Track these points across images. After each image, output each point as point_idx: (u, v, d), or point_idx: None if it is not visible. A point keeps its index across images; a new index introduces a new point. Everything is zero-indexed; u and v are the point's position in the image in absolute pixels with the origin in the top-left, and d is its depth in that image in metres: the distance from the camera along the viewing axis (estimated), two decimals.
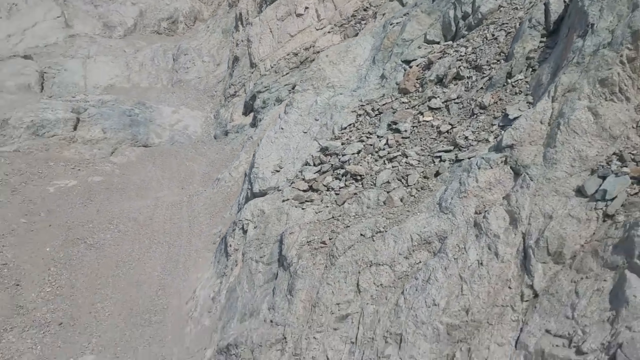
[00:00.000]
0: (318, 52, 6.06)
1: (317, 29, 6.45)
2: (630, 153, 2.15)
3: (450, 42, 3.79)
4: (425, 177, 2.86)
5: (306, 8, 6.64)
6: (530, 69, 2.89)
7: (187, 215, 4.53)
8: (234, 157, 5.45)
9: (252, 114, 6.22)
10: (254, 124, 5.85)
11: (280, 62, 6.31)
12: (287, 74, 5.95)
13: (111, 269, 3.79)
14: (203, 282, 3.46)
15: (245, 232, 3.33)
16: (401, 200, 2.81)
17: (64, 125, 5.57)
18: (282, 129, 3.97)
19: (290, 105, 4.12)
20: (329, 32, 6.23)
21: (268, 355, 2.61)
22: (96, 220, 4.38)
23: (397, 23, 4.23)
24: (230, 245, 3.39)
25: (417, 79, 3.63)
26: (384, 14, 5.52)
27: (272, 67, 6.44)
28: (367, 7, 6.07)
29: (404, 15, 4.31)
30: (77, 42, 8.40)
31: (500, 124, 2.77)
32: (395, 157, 3.07)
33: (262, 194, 3.56)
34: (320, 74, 4.31)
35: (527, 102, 2.73)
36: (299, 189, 3.28)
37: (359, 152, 3.33)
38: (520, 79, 2.90)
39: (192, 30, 10.26)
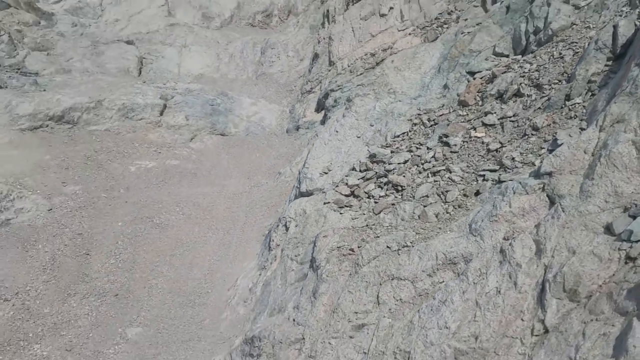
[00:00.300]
0: (395, 53, 6.04)
1: (399, 30, 6.41)
2: None
3: (518, 57, 3.63)
4: (465, 195, 2.81)
5: (391, 8, 6.62)
6: (590, 93, 2.72)
7: (245, 205, 4.76)
8: (299, 153, 5.63)
9: (323, 112, 6.34)
10: (323, 122, 5.98)
11: (357, 61, 6.36)
12: (361, 74, 5.99)
13: (170, 249, 4.10)
14: (246, 272, 3.66)
15: (287, 229, 3.47)
16: (436, 216, 2.79)
17: (151, 110, 6.02)
18: (336, 131, 4.05)
19: (349, 108, 4.18)
20: (409, 33, 6.17)
21: (286, 353, 2.72)
22: (165, 201, 4.74)
23: (468, 32, 4.12)
24: (273, 240, 3.55)
25: (478, 92, 3.54)
26: (466, 20, 5.38)
27: (348, 66, 6.51)
28: (451, 11, 5.93)
29: (477, 24, 4.18)
30: (176, 31, 8.98)
31: (550, 148, 2.65)
32: (439, 171, 3.04)
33: (308, 194, 3.68)
34: (383, 80, 4.32)
35: (579, 128, 2.58)
36: (341, 193, 3.35)
37: (405, 162, 3.33)
38: (578, 103, 2.74)
39: (284, 24, 10.55)
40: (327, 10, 8.37)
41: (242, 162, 5.91)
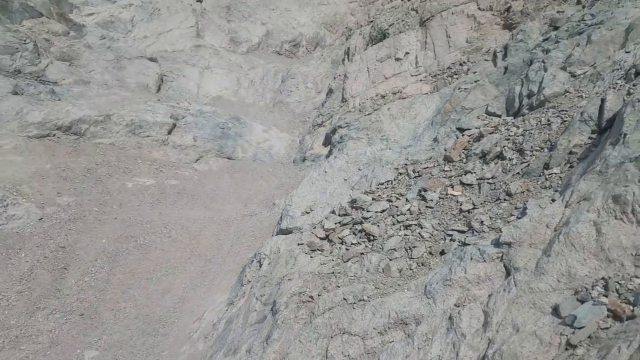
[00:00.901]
0: (404, 97, 6.05)
1: (412, 75, 6.43)
2: (617, 282, 1.89)
3: (509, 118, 3.57)
4: (430, 253, 2.74)
5: (407, 53, 6.66)
6: (569, 165, 2.65)
7: (233, 234, 4.76)
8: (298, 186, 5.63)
9: (329, 147, 6.36)
10: (328, 157, 6.00)
11: (367, 101, 6.39)
12: (368, 114, 6.01)
13: (147, 272, 4.10)
14: (215, 305, 3.63)
15: (260, 266, 3.44)
16: (399, 272, 2.73)
17: (159, 128, 6.13)
18: (325, 172, 4.05)
19: (341, 150, 4.19)
20: (421, 80, 6.18)
21: None
22: (154, 221, 4.77)
23: (464, 88, 4.09)
24: (246, 276, 3.52)
25: (464, 149, 3.49)
26: (474, 73, 5.37)
27: (359, 105, 6.54)
28: (463, 62, 5.93)
29: (475, 82, 4.15)
30: (201, 52, 9.20)
31: (518, 216, 2.58)
32: (411, 225, 2.98)
33: (287, 231, 3.65)
34: (378, 126, 4.31)
35: (551, 200, 2.51)
36: (316, 236, 3.31)
37: (382, 211, 3.29)
38: (556, 173, 2.67)
39: (308, 56, 10.72)
40: (348, 48, 8.48)
41: (243, 188, 5.94)
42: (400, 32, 7.15)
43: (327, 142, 6.53)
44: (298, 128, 7.62)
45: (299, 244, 3.31)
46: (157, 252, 4.37)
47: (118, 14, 9.36)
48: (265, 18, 11.14)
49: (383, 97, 6.40)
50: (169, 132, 6.22)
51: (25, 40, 6.31)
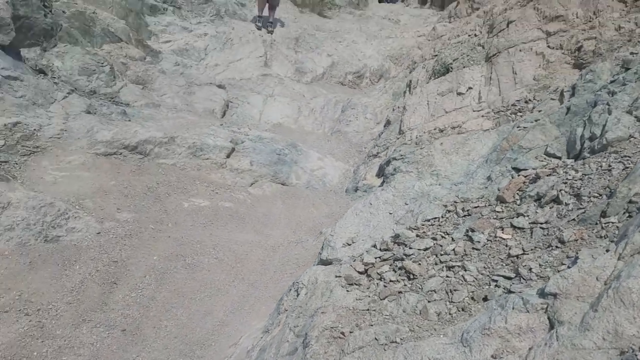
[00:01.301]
0: (463, 133, 5.90)
1: (474, 110, 6.27)
2: None
3: (569, 161, 3.36)
4: (472, 298, 2.59)
5: (469, 88, 6.53)
6: (627, 214, 2.45)
7: (278, 260, 4.77)
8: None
9: (382, 178, 6.30)
10: (380, 188, 5.93)
11: (425, 134, 6.28)
12: (423, 147, 5.92)
13: (192, 292, 4.17)
14: (252, 331, 3.62)
15: (297, 295, 3.41)
16: (437, 315, 2.60)
17: (219, 151, 6.32)
18: (370, 204, 3.99)
19: (388, 183, 4.12)
20: (483, 116, 6.02)
21: None
22: (205, 242, 4.88)
23: (524, 127, 3.93)
24: (283, 304, 3.50)
25: (518, 190, 3.31)
26: (540, 111, 5.17)
27: (416, 138, 6.45)
28: (529, 100, 5.72)
29: (535, 121, 3.97)
30: (267, 81, 9.48)
31: (569, 266, 2.40)
32: (454, 266, 2.85)
33: (327, 262, 3.61)
34: (428, 160, 4.21)
35: (605, 250, 2.32)
36: (355, 269, 3.24)
37: (426, 249, 3.17)
38: (613, 222, 2.47)
39: (371, 87, 10.78)
40: (410, 81, 8.43)
41: (293, 214, 5.97)
42: (464, 67, 7.03)
43: (381, 173, 6.46)
44: (353, 157, 7.61)
45: (336, 276, 3.25)
46: (203, 272, 4.45)
47: (193, 42, 9.84)
48: (332, 50, 11.34)
49: (441, 131, 6.27)
50: (228, 156, 6.40)
51: (102, 63, 6.76)
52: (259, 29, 10.86)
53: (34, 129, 5.19)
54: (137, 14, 8.82)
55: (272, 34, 11.01)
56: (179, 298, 4.04)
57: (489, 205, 3.34)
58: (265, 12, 11.18)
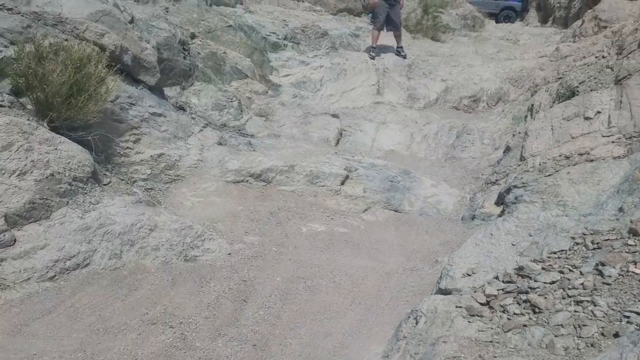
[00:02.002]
0: (591, 160, 5.58)
1: (603, 136, 5.91)
2: None
3: None
4: (602, 334, 2.46)
5: (598, 112, 6.17)
6: None
7: (393, 287, 4.82)
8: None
9: (502, 207, 6.11)
10: (500, 217, 5.75)
11: (548, 161, 6.02)
12: (548, 175, 5.67)
13: (312, 313, 4.37)
14: (371, 356, 3.70)
15: (416, 323, 3.45)
16: (564, 350, 2.50)
17: (334, 179, 6.58)
18: (491, 234, 3.91)
19: (510, 213, 4.01)
20: (613, 141, 5.65)
21: None
22: (322, 265, 5.09)
23: None
24: (402, 331, 3.55)
25: None
26: None
27: (539, 165, 6.19)
28: None
29: None
30: (379, 108, 9.69)
31: None
32: (583, 301, 2.72)
33: (446, 292, 3.60)
34: (554, 190, 4.03)
35: None
36: (476, 301, 3.21)
37: (552, 282, 3.06)
38: None
39: (488, 111, 10.50)
40: (532, 105, 8.12)
41: (407, 241, 6.01)
42: (591, 90, 6.66)
43: (500, 201, 6.26)
44: (469, 185, 7.46)
45: (457, 306, 3.25)
46: (322, 295, 4.64)
47: (310, 75, 10.40)
48: (446, 74, 11.30)
49: (567, 157, 5.96)
50: (342, 183, 6.63)
51: (232, 99, 7.42)
52: (372, 58, 11.17)
53: (175, 160, 5.84)
54: (261, 51, 9.55)
55: (405, 57, 11.21)
56: (301, 318, 4.26)
57: (621, 238, 3.16)
58: (380, 42, 11.49)
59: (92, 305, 3.95)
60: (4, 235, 3.79)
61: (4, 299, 3.70)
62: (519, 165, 6.46)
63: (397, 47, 11.68)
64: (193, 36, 8.42)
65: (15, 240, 3.89)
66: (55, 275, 4.03)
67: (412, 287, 4.85)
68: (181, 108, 6.69)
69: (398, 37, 11.65)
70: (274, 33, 10.57)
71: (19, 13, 4.86)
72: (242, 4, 11.03)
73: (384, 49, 11.78)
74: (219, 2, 10.16)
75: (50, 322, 3.67)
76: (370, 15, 15.12)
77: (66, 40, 4.76)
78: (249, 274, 4.76)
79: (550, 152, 6.13)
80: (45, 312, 3.74)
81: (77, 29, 5.22)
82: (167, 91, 6.77)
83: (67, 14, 5.20)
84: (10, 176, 3.94)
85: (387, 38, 11.86)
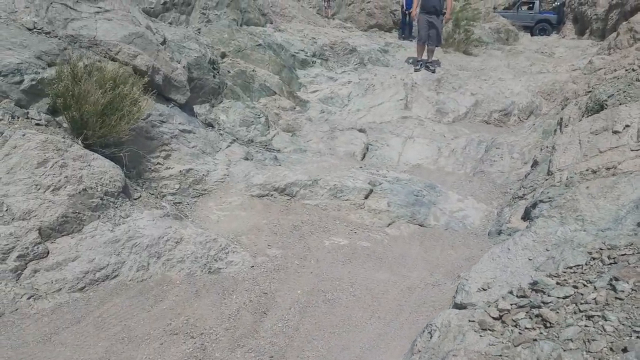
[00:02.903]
0: (619, 174, 5.47)
1: (632, 150, 5.79)
2: None
3: None
4: (611, 348, 2.43)
5: (627, 126, 6.05)
6: None
7: (414, 302, 4.82)
8: None
9: (528, 222, 6.03)
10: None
11: (575, 176, 5.92)
12: (567, 191, 5.58)
13: (331, 326, 4.41)
14: None
15: (430, 337, 3.46)
16: None
17: (357, 193, 6.63)
18: (508, 249, 3.87)
19: (529, 227, 3.96)
20: None
21: None
22: (343, 279, 5.14)
23: None
24: (416, 345, 3.56)
25: None
26: None
27: (566, 179, 6.10)
28: None
29: None
30: (407, 123, 9.71)
31: None
32: (594, 316, 2.69)
33: (462, 306, 3.59)
34: (573, 205, 3.96)
35: None
36: (489, 315, 3.20)
37: (565, 297, 3.02)
38: None
39: (519, 125, 10.37)
40: (561, 119, 8.00)
41: (431, 256, 5.99)
42: (620, 104, 6.53)
43: (527, 216, 6.18)
44: (497, 199, 7.38)
45: (469, 321, 3.24)
46: (342, 308, 4.69)
47: (338, 90, 10.55)
48: (476, 89, 11.24)
49: (594, 172, 5.85)
50: (366, 197, 6.68)
51: (259, 115, 7.61)
52: (417, 71, 11.31)
53: (203, 174, 6.04)
54: (289, 68, 9.77)
55: (434, 72, 11.37)
56: (319, 331, 4.32)
57: (637, 252, 3.11)
58: (424, 56, 11.59)
59: (119, 316, 4.12)
60: (38, 248, 4.01)
61: (36, 308, 3.92)
62: (546, 179, 6.38)
63: (427, 62, 11.72)
64: (224, 55, 8.70)
65: (48, 252, 4.11)
66: (85, 286, 4.23)
67: (433, 301, 4.84)
68: (210, 125, 6.92)
69: (431, 52, 11.70)
70: (302, 50, 10.79)
71: (56, 36, 5.18)
72: (272, 23, 11.32)
73: (414, 61, 11.85)
74: (249, 22, 10.47)
75: (78, 332, 3.85)
76: (400, 30, 15.24)
77: (99, 61, 5.03)
78: (270, 286, 4.85)
79: (578, 166, 6.03)
80: (74, 322, 3.93)
81: (111, 50, 5.52)
82: (197, 108, 7.02)
83: (101, 37, 5.50)
84: (45, 191, 4.18)
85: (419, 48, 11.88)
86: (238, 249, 5.24)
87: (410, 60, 12.07)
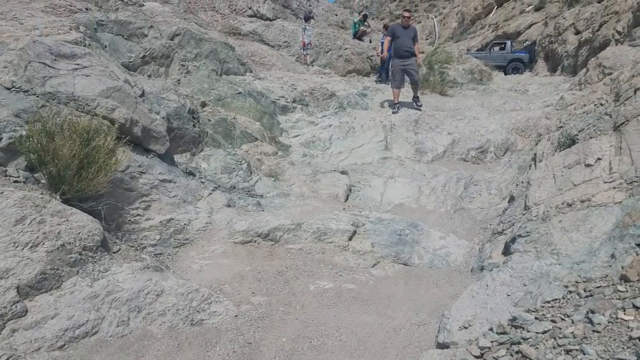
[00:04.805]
0: (593, 206, 5.59)
1: (605, 182, 5.94)
2: None
3: None
4: None
5: (598, 159, 6.23)
6: None
7: (400, 344, 4.77)
8: None
9: (508, 257, 6.09)
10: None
11: (552, 210, 6.04)
12: (540, 226, 5.68)
13: None
14: None
15: None
16: None
17: (341, 235, 6.66)
18: (487, 285, 3.90)
19: (505, 263, 4.02)
20: (614, 187, 5.68)
21: None
22: (329, 324, 5.10)
23: None
24: None
25: None
26: None
27: (543, 214, 6.21)
28: None
29: None
30: (388, 163, 9.86)
31: None
32: (572, 350, 2.72)
33: (444, 346, 3.59)
34: (547, 239, 4.04)
35: None
36: (471, 354, 3.19)
37: (544, 332, 3.04)
38: None
39: (496, 161, 10.59)
40: (535, 154, 8.22)
41: (417, 295, 5.98)
42: (590, 138, 6.75)
43: (507, 251, 6.25)
44: (478, 235, 7.45)
45: None
46: (328, 354, 4.63)
47: (319, 134, 10.73)
48: (452, 128, 11.51)
49: (569, 205, 5.97)
50: (350, 239, 6.71)
51: (241, 162, 7.69)
52: (395, 113, 11.60)
53: (184, 224, 6.03)
54: (270, 114, 9.94)
55: (421, 107, 11.78)
56: None
57: (612, 284, 3.16)
58: (401, 99, 11.94)
59: None
60: (16, 306, 3.94)
61: None
62: (524, 214, 6.48)
63: (413, 97, 12.08)
64: (204, 104, 8.84)
65: (27, 311, 4.04)
66: (64, 345, 4.14)
67: (419, 342, 4.81)
68: (191, 173, 6.96)
69: (415, 87, 12.03)
70: (282, 97, 11.02)
71: (34, 94, 5.25)
72: (251, 72, 11.58)
73: (392, 104, 12.14)
74: (229, 72, 10.70)
75: None
76: (377, 74, 15.66)
77: (70, 115, 5.09)
78: (254, 335, 4.79)
79: (554, 200, 6.16)
80: None
81: (89, 105, 5.60)
82: (178, 158, 7.08)
83: (79, 92, 5.59)
84: (23, 248, 4.14)
85: (395, 92, 12.18)
86: (221, 298, 5.19)
87: (388, 104, 12.37)
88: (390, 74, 12.64)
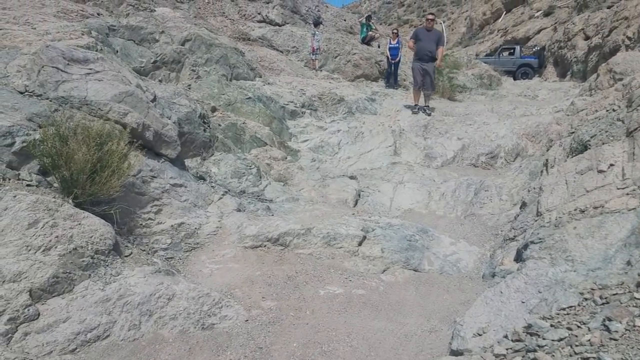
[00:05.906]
0: (607, 213, 5.54)
1: (618, 188, 5.89)
2: None
3: None
4: None
5: (611, 165, 6.18)
6: None
7: (411, 349, 4.74)
8: None
9: (520, 263, 6.04)
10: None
11: (564, 216, 5.98)
12: (555, 232, 5.63)
13: None
14: None
15: None
16: None
17: (351, 240, 6.64)
18: (501, 292, 3.86)
19: (520, 270, 3.98)
20: (628, 193, 5.62)
21: None
22: (339, 329, 5.07)
23: None
24: None
25: None
26: None
27: (555, 220, 6.16)
28: None
29: None
30: (397, 168, 9.83)
31: None
32: (589, 358, 2.68)
33: (458, 353, 3.55)
34: (562, 245, 4.00)
35: None
36: None
37: (560, 339, 3.01)
38: None
39: (506, 167, 10.54)
40: (547, 160, 8.16)
41: (427, 301, 5.95)
42: (603, 143, 6.70)
43: (519, 258, 6.20)
44: (489, 242, 7.40)
45: None
46: (338, 359, 4.61)
47: (328, 139, 10.73)
48: (462, 133, 11.47)
49: (582, 211, 5.92)
50: (359, 244, 6.68)
51: (251, 166, 7.70)
52: (415, 114, 11.66)
53: (195, 228, 6.04)
54: (279, 119, 9.95)
55: (430, 115, 11.70)
56: None
57: (629, 292, 3.13)
58: (420, 101, 12.02)
59: None
60: (29, 310, 3.96)
61: None
62: (536, 220, 6.43)
63: (425, 105, 12.13)
64: (214, 109, 8.87)
65: (39, 314, 4.05)
66: (76, 348, 4.14)
67: (431, 348, 4.78)
68: (201, 178, 6.97)
69: (427, 97, 12.10)
70: (291, 102, 11.04)
71: (47, 98, 5.29)
72: (261, 77, 11.61)
73: (402, 110, 12.13)
74: (238, 77, 10.74)
75: None
76: (385, 79, 15.68)
77: (83, 119, 5.12)
78: (265, 340, 4.78)
79: (566, 206, 6.10)
80: None
81: (102, 109, 5.63)
82: (188, 162, 7.10)
83: (92, 97, 5.62)
84: (35, 252, 4.16)
85: (402, 97, 12.21)
86: (232, 302, 5.18)
87: (406, 105, 12.43)
88: (401, 78, 12.70)
